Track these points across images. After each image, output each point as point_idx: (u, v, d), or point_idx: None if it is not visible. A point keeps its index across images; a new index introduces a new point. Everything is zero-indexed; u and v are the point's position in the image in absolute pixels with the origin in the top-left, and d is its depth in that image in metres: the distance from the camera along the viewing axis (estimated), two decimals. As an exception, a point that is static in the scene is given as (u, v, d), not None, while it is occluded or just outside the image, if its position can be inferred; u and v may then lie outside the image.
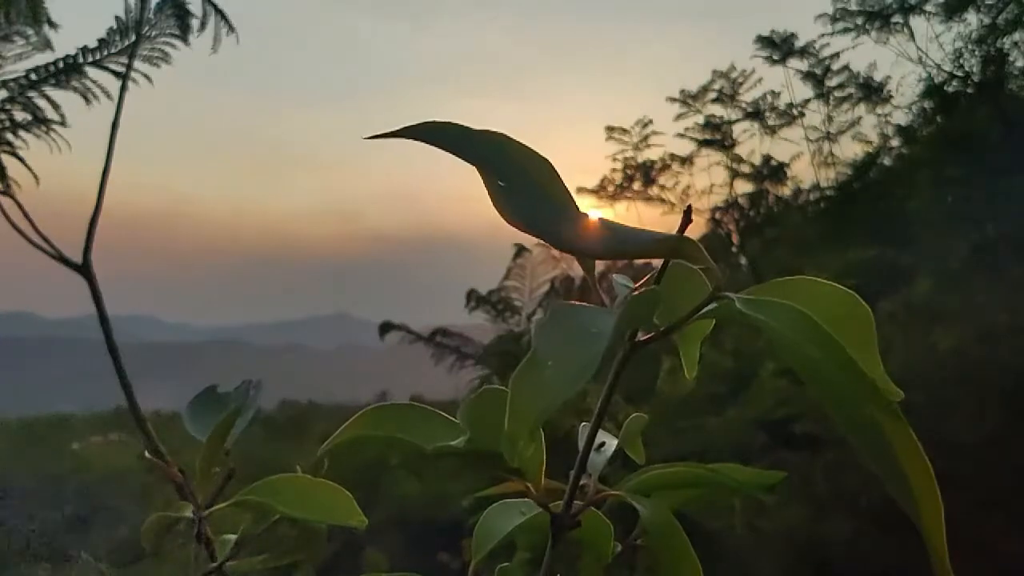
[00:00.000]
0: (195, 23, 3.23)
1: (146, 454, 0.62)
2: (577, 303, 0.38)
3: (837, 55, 7.90)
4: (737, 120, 8.41)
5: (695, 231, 0.96)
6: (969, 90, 6.64)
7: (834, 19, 7.36)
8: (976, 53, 6.55)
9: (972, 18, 6.58)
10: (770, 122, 8.31)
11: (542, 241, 0.41)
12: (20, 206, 2.88)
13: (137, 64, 3.14)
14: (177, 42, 3.24)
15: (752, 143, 8.43)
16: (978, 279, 4.78)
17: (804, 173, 8.29)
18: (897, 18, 7.07)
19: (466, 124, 0.40)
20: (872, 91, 7.83)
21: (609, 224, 0.39)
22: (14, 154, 3.01)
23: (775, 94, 8.29)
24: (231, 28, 3.27)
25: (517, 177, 0.40)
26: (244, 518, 0.56)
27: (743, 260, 8.05)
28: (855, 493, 4.05)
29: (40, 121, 3.07)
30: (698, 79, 8.54)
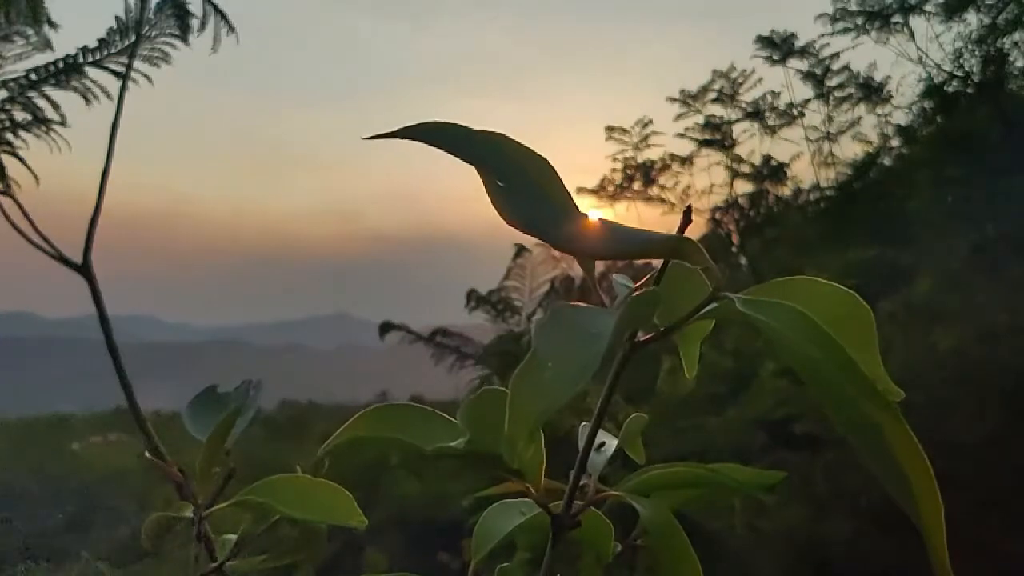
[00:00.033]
0: (195, 23, 3.23)
1: (146, 454, 0.62)
2: (577, 303, 0.37)
3: (837, 55, 7.90)
4: (737, 120, 8.40)
5: (695, 231, 0.96)
6: (969, 90, 6.64)
7: (834, 19, 7.36)
8: (976, 53, 6.56)
9: (972, 18, 6.59)
10: (770, 122, 8.31)
11: (542, 241, 0.41)
12: (20, 206, 2.88)
13: (137, 64, 3.14)
14: (177, 42, 3.24)
15: (752, 143, 8.42)
16: (978, 279, 4.77)
17: (804, 173, 8.29)
18: (897, 18, 7.07)
19: (465, 124, 0.40)
20: (872, 91, 7.83)
21: (609, 224, 0.39)
22: (14, 154, 3.00)
23: (775, 94, 8.29)
24: (231, 28, 3.27)
25: (516, 177, 0.40)
26: (244, 518, 0.56)
27: (743, 260, 8.04)
28: (855, 493, 4.04)
29: (40, 121, 3.06)
30: (698, 79, 8.54)
